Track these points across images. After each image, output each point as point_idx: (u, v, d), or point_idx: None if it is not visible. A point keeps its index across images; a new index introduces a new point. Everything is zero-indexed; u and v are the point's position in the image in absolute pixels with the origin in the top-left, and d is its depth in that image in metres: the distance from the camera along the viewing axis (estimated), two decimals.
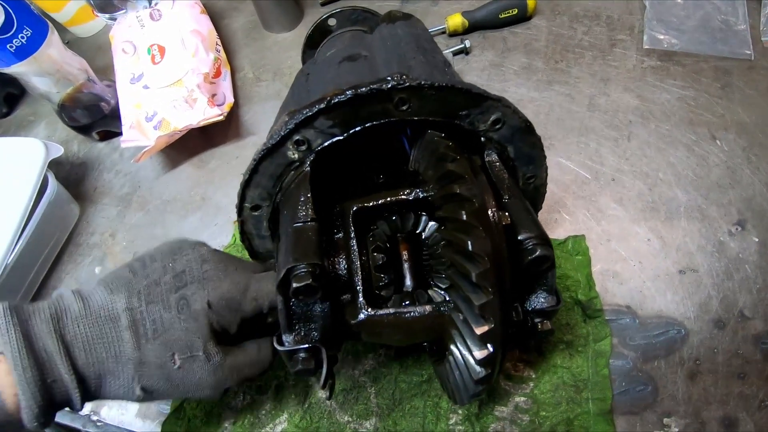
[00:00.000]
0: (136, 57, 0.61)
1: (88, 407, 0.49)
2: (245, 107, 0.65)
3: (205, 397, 0.33)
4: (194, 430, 0.44)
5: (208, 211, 0.58)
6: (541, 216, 0.48)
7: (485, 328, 0.23)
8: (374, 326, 0.28)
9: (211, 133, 0.63)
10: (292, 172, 0.31)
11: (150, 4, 0.69)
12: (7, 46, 0.48)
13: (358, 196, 0.32)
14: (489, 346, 0.24)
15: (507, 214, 0.27)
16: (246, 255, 0.41)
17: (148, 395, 0.31)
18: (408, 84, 0.27)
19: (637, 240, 0.46)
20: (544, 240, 0.27)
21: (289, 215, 0.29)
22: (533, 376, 0.42)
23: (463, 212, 0.24)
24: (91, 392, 0.30)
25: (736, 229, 0.45)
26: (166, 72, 0.59)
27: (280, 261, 0.27)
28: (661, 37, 0.54)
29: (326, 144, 0.29)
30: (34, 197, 0.53)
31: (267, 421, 0.44)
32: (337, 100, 0.27)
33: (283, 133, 0.28)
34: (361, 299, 0.28)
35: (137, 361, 0.30)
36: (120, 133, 0.64)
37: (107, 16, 0.71)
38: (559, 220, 0.49)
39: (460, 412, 0.42)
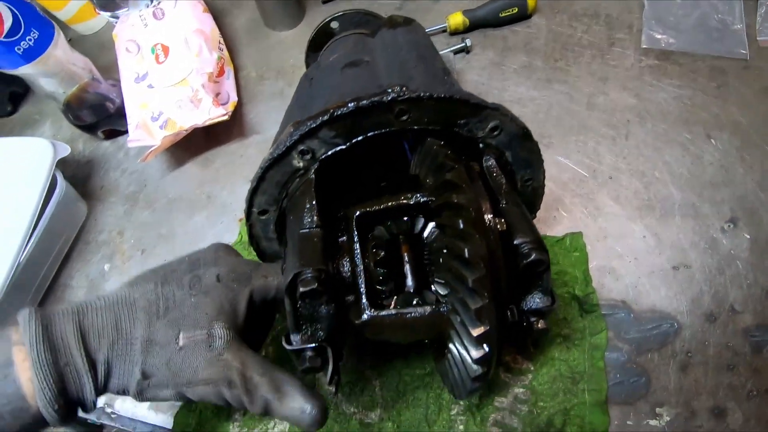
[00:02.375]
0: (140, 56, 0.62)
1: (102, 400, 0.51)
2: (249, 106, 0.66)
3: (199, 396, 0.30)
4: (205, 422, 0.46)
5: (213, 209, 0.59)
6: (540, 214, 0.50)
7: (481, 330, 0.25)
8: (377, 326, 0.30)
9: (215, 132, 0.64)
10: (297, 179, 0.32)
11: (152, 2, 0.70)
12: (15, 49, 0.49)
13: (361, 201, 0.33)
14: (485, 346, 0.25)
15: (503, 220, 0.28)
16: (253, 255, 0.42)
17: (145, 384, 0.29)
18: (408, 96, 0.28)
19: (633, 237, 0.47)
20: (539, 245, 0.28)
21: (296, 221, 0.30)
22: (532, 368, 0.44)
23: (460, 221, 0.25)
24: (101, 381, 0.29)
25: (729, 226, 0.46)
26: (170, 71, 0.60)
27: (288, 266, 0.28)
28: (659, 36, 0.55)
29: (329, 153, 0.30)
30: (44, 196, 0.54)
31: None
32: (339, 112, 0.28)
33: (288, 144, 0.29)
34: (364, 301, 0.30)
35: (144, 340, 0.30)
36: (125, 132, 0.65)
37: (109, 14, 0.71)
38: (558, 218, 0.50)
39: (461, 403, 0.44)
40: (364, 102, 0.27)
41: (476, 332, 0.25)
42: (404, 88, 0.28)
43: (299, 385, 0.31)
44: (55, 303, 0.57)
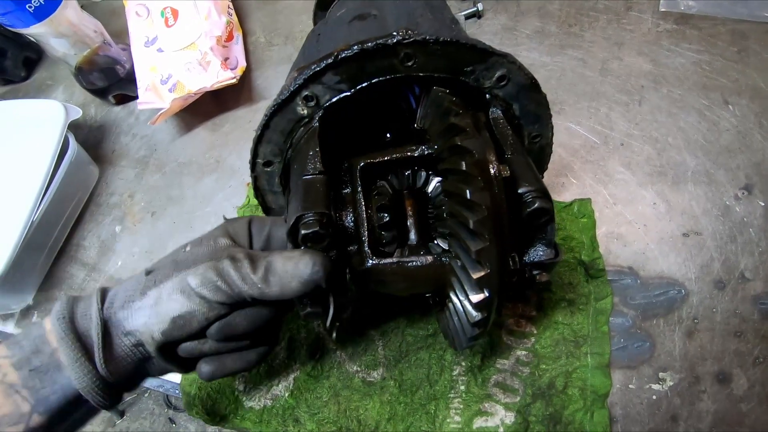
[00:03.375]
0: (150, 20, 0.62)
1: None
2: (257, 71, 0.66)
3: (200, 279, 0.27)
4: None
5: (222, 173, 0.60)
6: (548, 180, 0.49)
7: (481, 273, 0.25)
8: (379, 274, 0.30)
9: (224, 98, 0.64)
10: (302, 128, 0.32)
11: None
12: (26, 6, 0.50)
13: (366, 153, 0.33)
14: (485, 290, 0.25)
15: (507, 167, 0.28)
16: (260, 214, 0.43)
17: (150, 281, 0.29)
18: (413, 39, 0.27)
19: (643, 203, 0.46)
20: (543, 193, 0.28)
21: (299, 169, 0.30)
22: (534, 331, 0.44)
23: (464, 163, 0.25)
24: (110, 300, 0.29)
25: (743, 193, 0.45)
26: (179, 35, 0.60)
27: (290, 210, 0.29)
28: None
29: (334, 100, 0.30)
30: (56, 158, 0.55)
31: (280, 370, 0.47)
32: (344, 55, 0.27)
33: (292, 89, 0.29)
34: (366, 249, 0.30)
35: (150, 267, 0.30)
36: (135, 97, 0.66)
37: None
38: (566, 184, 0.49)
39: (463, 364, 0.44)
40: (369, 44, 0.27)
41: (477, 275, 0.25)
42: (410, 32, 0.27)
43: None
44: (68, 262, 0.59)
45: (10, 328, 0.56)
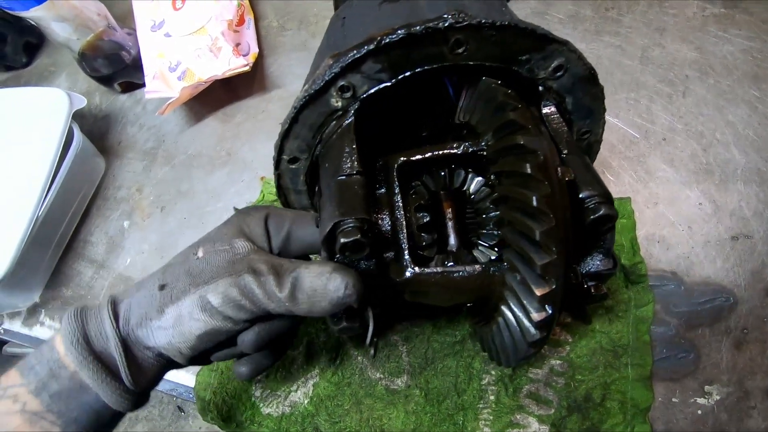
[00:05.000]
0: (156, 2, 0.59)
1: None
2: (270, 58, 0.62)
3: (221, 296, 0.26)
4: (227, 383, 0.45)
5: (234, 166, 0.57)
6: None
7: (546, 290, 0.22)
8: (420, 285, 0.27)
9: (235, 86, 0.60)
10: (334, 122, 0.29)
11: None
12: None
13: (402, 150, 0.30)
14: (548, 308, 0.23)
15: (570, 169, 0.25)
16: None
17: (165, 297, 0.27)
18: (467, 23, 0.24)
19: (687, 204, 0.44)
20: (607, 198, 0.25)
21: (332, 168, 0.27)
22: (570, 340, 0.42)
23: (528, 165, 0.22)
24: (124, 317, 0.28)
25: None
26: (188, 18, 0.56)
27: (325, 215, 0.26)
28: None
29: (372, 91, 0.27)
30: (61, 149, 0.52)
31: (299, 375, 0.45)
32: (388, 40, 0.24)
33: (327, 78, 0.26)
34: (407, 257, 0.27)
35: (160, 270, 0.29)
36: (142, 85, 0.62)
37: None
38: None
39: (493, 372, 0.42)
40: (417, 28, 0.24)
41: (541, 291, 0.22)
42: (463, 15, 0.24)
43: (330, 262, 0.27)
44: (75, 259, 0.56)
45: (17, 326, 0.54)
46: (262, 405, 0.44)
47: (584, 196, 0.25)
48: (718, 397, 0.38)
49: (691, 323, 0.40)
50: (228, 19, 0.55)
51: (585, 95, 0.29)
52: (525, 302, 0.23)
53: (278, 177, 0.32)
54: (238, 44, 0.57)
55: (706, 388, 0.38)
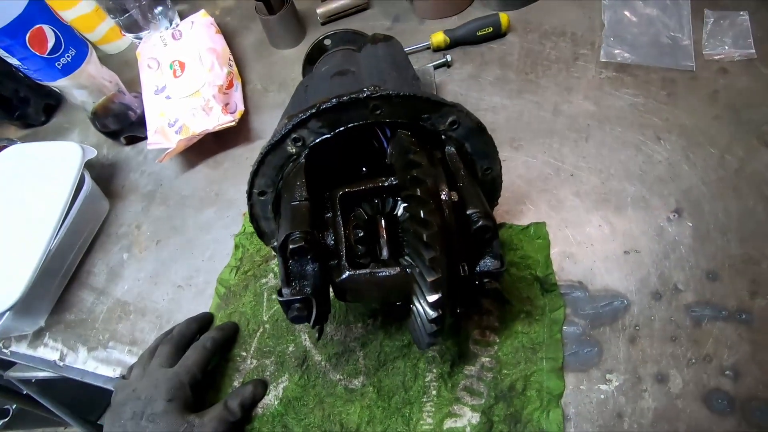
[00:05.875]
0: (160, 71, 0.70)
1: (117, 371, 0.57)
2: (254, 115, 0.74)
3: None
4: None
5: (221, 205, 0.66)
6: (509, 206, 0.56)
7: (434, 277, 0.31)
8: (355, 283, 0.36)
9: (224, 138, 0.71)
10: (291, 163, 0.38)
11: (171, 25, 0.79)
12: (56, 64, 0.57)
13: (345, 184, 0.40)
14: (439, 291, 0.32)
15: (455, 193, 0.35)
16: (256, 243, 0.50)
17: None
18: (380, 93, 0.35)
19: (590, 226, 0.53)
20: (486, 214, 0.34)
21: (288, 197, 0.37)
22: (497, 340, 0.50)
23: (419, 190, 0.32)
24: None
25: (674, 216, 0.52)
26: (185, 84, 0.68)
27: (281, 230, 0.35)
28: (617, 51, 0.62)
29: (317, 141, 0.37)
30: (73, 193, 0.62)
31: (271, 380, 0.52)
32: (324, 106, 0.35)
33: (283, 132, 0.36)
34: (344, 261, 0.36)
35: None
36: (144, 138, 0.73)
37: (132, 35, 0.80)
38: (525, 210, 0.56)
39: (434, 371, 0.49)
40: (345, 98, 0.34)
41: (430, 278, 0.31)
42: (377, 87, 0.34)
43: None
44: (78, 288, 0.64)
45: (23, 348, 0.61)
46: None
47: (470, 213, 0.35)
48: (617, 384, 0.46)
49: (595, 323, 0.49)
50: (219, 84, 0.67)
51: (478, 141, 0.40)
52: (423, 289, 0.32)
53: (251, 206, 0.42)
54: (227, 104, 0.69)
55: (608, 376, 0.46)
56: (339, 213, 0.38)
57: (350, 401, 0.49)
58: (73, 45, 0.59)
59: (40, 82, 0.61)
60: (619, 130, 0.58)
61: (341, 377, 0.51)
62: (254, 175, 0.39)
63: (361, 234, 0.38)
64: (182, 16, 0.86)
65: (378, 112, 0.36)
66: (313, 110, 0.35)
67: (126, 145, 0.75)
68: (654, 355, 0.46)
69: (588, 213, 0.54)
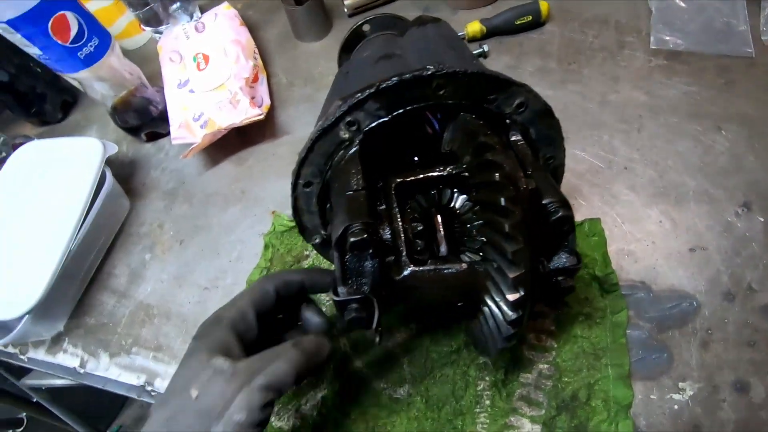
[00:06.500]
0: (183, 65, 0.68)
1: (142, 378, 0.53)
2: (279, 109, 0.71)
3: (243, 424, 0.28)
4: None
5: (247, 203, 0.63)
6: None
7: (518, 273, 0.27)
8: (416, 281, 0.32)
9: (249, 133, 0.68)
10: (342, 150, 0.35)
11: (191, 19, 0.76)
12: (78, 54, 0.55)
13: (393, 174, 0.36)
14: (521, 289, 0.28)
15: (532, 181, 0.31)
16: (287, 242, 0.46)
17: None
18: (445, 71, 0.31)
19: (649, 222, 0.50)
20: (564, 203, 0.31)
21: (341, 186, 0.34)
22: (555, 345, 0.46)
23: (497, 175, 0.28)
24: None
25: (743, 210, 0.48)
26: (210, 77, 0.65)
27: (337, 222, 0.31)
28: (667, 38, 0.58)
29: (373, 125, 0.34)
30: (93, 191, 0.59)
31: (308, 389, 0.48)
32: (384, 85, 0.31)
33: (337, 115, 0.33)
34: (404, 257, 0.32)
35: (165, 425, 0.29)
36: (165, 135, 0.70)
37: (152, 29, 0.78)
38: (576, 206, 0.52)
39: (487, 379, 0.45)
40: (407, 76, 0.31)
41: (513, 274, 0.27)
42: (441, 65, 0.31)
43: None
44: (99, 290, 0.61)
45: (41, 354, 0.58)
46: (274, 419, 0.47)
47: (546, 202, 0.31)
48: (691, 393, 0.42)
49: (662, 326, 0.45)
50: (245, 77, 0.64)
51: (544, 126, 0.36)
52: (502, 287, 0.29)
53: (295, 199, 0.39)
54: (253, 97, 0.65)
55: (680, 384, 0.42)
56: (395, 204, 0.35)
57: (396, 412, 0.46)
58: (96, 34, 0.56)
59: (60, 73, 0.58)
60: (674, 120, 0.54)
61: (385, 386, 0.47)
62: (301, 163, 0.35)
63: (421, 228, 0.34)
64: (202, 11, 0.83)
65: (441, 92, 0.33)
66: (372, 90, 0.31)
67: (146, 141, 0.72)
68: (731, 362, 0.42)
69: (646, 208, 0.50)
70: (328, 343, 0.35)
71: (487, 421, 0.44)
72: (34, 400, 1.02)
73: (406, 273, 0.32)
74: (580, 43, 0.63)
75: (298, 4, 0.69)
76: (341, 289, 0.32)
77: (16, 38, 0.50)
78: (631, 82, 0.58)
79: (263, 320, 0.36)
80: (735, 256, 0.46)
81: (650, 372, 0.43)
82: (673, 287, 0.46)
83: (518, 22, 0.64)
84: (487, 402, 0.45)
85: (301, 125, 0.68)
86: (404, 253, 0.33)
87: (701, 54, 0.57)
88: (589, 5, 0.67)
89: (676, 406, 0.41)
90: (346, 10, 0.75)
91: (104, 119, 0.76)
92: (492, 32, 0.66)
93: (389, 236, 0.34)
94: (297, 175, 0.36)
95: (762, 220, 0.47)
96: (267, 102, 0.67)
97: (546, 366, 0.45)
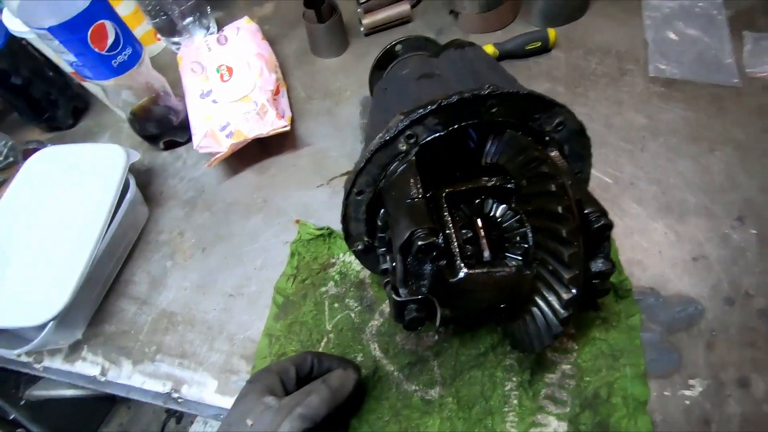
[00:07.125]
0: (204, 76, 0.69)
1: (168, 385, 0.53)
2: (299, 122, 0.73)
3: None
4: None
5: (269, 212, 0.64)
6: None
7: (573, 274, 0.30)
8: (470, 283, 0.35)
9: (269, 144, 0.70)
10: (397, 162, 0.38)
11: (208, 32, 0.78)
12: (112, 62, 0.55)
13: (439, 184, 0.39)
14: (574, 289, 0.31)
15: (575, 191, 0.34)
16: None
17: None
18: (500, 91, 0.35)
19: (655, 234, 0.54)
20: (605, 213, 0.34)
21: (399, 195, 0.36)
22: (575, 347, 0.49)
23: (553, 185, 0.31)
24: None
25: (738, 223, 0.53)
26: (234, 89, 0.66)
27: (400, 228, 0.34)
28: (663, 67, 0.64)
29: (429, 138, 0.37)
30: (118, 197, 0.59)
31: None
32: (446, 102, 0.34)
33: (400, 128, 0.35)
34: (458, 261, 0.35)
35: None
36: (183, 143, 0.71)
37: (168, 39, 0.79)
38: None
39: (514, 379, 0.48)
40: (466, 95, 0.34)
41: (569, 275, 0.30)
42: (496, 86, 0.34)
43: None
44: (118, 298, 0.60)
45: (57, 363, 0.57)
46: None
47: (588, 212, 0.34)
48: (700, 389, 0.45)
49: (672, 329, 0.49)
50: (270, 89, 0.66)
51: (577, 144, 0.40)
52: (556, 287, 0.32)
53: (345, 206, 0.41)
54: (276, 109, 0.67)
55: (690, 382, 0.46)
56: (445, 213, 0.37)
57: (428, 413, 0.47)
58: (130, 43, 0.57)
59: (89, 80, 0.58)
60: (674, 141, 0.60)
61: (417, 388, 0.49)
62: (359, 173, 0.38)
63: (470, 234, 0.37)
64: (218, 24, 0.85)
65: (494, 110, 0.36)
66: (434, 106, 0.34)
67: (164, 150, 0.72)
68: (734, 360, 0.46)
69: (652, 220, 0.55)
70: (352, 376, 0.42)
71: (516, 419, 0.46)
72: (12, 417, 0.98)
73: (461, 275, 0.35)
74: (584, 69, 0.69)
75: (320, 23, 0.72)
76: (402, 291, 0.34)
77: (53, 44, 0.51)
78: (633, 106, 0.64)
79: (299, 377, 0.43)
80: (733, 265, 0.51)
81: (663, 371, 0.47)
82: (680, 293, 0.50)
83: (528, 47, 0.69)
84: (515, 401, 0.47)
85: (320, 137, 0.70)
86: (458, 257, 0.35)
87: (695, 83, 0.63)
88: (591, 35, 0.72)
89: (687, 402, 0.45)
90: (362, 29, 0.78)
91: (117, 126, 0.76)
92: (504, 56, 0.70)
93: (442, 242, 0.37)
94: (353, 183, 0.39)
95: (755, 232, 0.52)
96: (289, 114, 0.69)
97: (568, 366, 0.48)
